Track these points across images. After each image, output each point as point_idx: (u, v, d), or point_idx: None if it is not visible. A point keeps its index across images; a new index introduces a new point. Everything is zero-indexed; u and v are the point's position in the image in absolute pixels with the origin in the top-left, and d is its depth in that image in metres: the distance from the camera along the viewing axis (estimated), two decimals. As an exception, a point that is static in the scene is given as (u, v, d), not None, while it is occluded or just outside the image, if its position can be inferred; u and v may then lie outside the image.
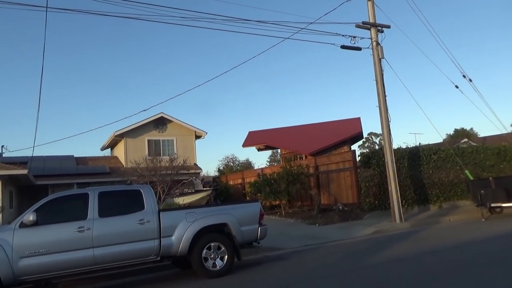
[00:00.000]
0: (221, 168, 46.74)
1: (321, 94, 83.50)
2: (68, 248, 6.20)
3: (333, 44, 13.36)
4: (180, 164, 18.98)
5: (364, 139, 69.65)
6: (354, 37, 13.61)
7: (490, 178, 13.31)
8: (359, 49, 13.70)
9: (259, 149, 29.59)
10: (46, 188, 22.55)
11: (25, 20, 62.69)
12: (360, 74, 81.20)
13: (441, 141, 31.23)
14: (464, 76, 16.05)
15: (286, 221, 15.59)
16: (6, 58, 53.74)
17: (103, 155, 29.21)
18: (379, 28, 14.02)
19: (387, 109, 13.68)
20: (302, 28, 13.71)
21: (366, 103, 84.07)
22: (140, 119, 25.94)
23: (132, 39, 66.51)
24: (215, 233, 7.37)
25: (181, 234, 6.99)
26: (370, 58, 13.79)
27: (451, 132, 57.03)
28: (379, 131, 71.28)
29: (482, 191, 12.75)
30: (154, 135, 26.81)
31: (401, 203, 15.32)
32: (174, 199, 21.48)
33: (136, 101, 66.29)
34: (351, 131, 25.00)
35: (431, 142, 26.43)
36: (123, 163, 25.78)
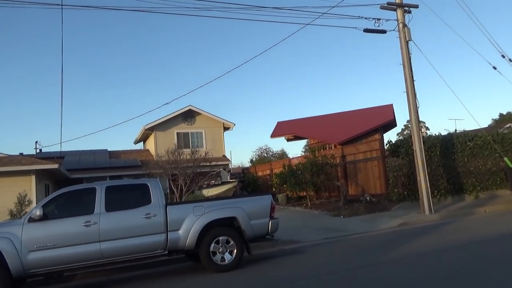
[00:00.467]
0: (254, 159, 46.68)
1: (354, 82, 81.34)
2: (75, 242, 6.27)
3: (356, 28, 12.73)
4: (201, 157, 18.97)
5: (403, 127, 67.42)
6: (379, 19, 12.89)
7: (530, 166, 12.28)
8: (383, 32, 12.97)
9: (288, 140, 29.14)
10: (81, 181, 23.38)
11: (46, 17, 65.22)
12: (394, 58, 78.07)
13: (483, 126, 29.52)
14: (503, 56, 14.88)
15: (311, 213, 15.24)
16: (38, 53, 56.19)
17: (135, 149, 29.95)
18: (406, 8, 13.19)
19: (415, 95, 12.93)
20: (323, 13, 13.15)
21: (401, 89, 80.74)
22: (168, 112, 26.31)
23: (154, 32, 67.30)
24: (223, 227, 7.22)
25: (188, 228, 6.90)
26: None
27: (496, 117, 53.81)
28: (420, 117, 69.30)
29: (520, 180, 11.80)
30: (183, 127, 27.08)
31: (433, 193, 14.63)
32: (202, 191, 21.71)
33: (167, 94, 67.49)
34: (382, 118, 23.99)
35: (472, 128, 25.02)
36: (154, 156, 26.27)
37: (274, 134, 27.09)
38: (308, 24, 13.48)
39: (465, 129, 21.83)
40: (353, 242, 9.35)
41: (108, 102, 67.49)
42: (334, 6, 13.04)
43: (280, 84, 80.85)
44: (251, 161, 46.07)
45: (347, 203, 15.58)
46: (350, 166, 17.36)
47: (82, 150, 26.91)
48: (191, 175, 17.67)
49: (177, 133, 26.86)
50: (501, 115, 53.10)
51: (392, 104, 25.51)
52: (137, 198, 6.96)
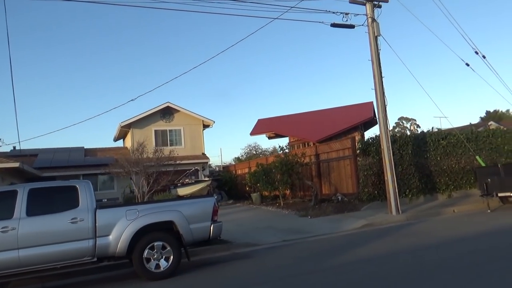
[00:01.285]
0: (243, 157, 46.13)
1: (338, 78, 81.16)
2: (-10, 250, 5.80)
3: (322, 22, 12.31)
4: (164, 156, 18.48)
5: (394, 124, 67.37)
6: (347, 13, 12.46)
7: (499, 165, 12.01)
8: (352, 26, 12.57)
9: (269, 137, 28.74)
10: (53, 179, 22.82)
11: (20, 10, 63.89)
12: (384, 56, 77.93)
13: (467, 124, 29.28)
14: (476, 53, 14.57)
15: (281, 213, 14.86)
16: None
17: (113, 146, 29.32)
18: (376, 2, 12.80)
19: (383, 92, 12.57)
20: (292, 7, 12.70)
21: (397, 86, 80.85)
22: (146, 109, 25.77)
23: (133, 26, 65.98)
24: (160, 231, 6.78)
25: (119, 234, 6.45)
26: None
27: (483, 115, 53.93)
28: (410, 115, 68.58)
29: (489, 180, 11.51)
30: (161, 125, 26.57)
31: (405, 192, 14.40)
32: (177, 189, 21.25)
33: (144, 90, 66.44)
34: (362, 116, 23.71)
35: (457, 125, 24.79)
36: (133, 153, 25.72)
37: (254, 132, 26.68)
38: (276, 18, 13.01)
39: (450, 127, 21.44)
40: (309, 245, 8.97)
41: (88, 99, 66.25)
42: (302, 0, 12.64)
43: (268, 79, 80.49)
44: (238, 159, 45.59)
45: (318, 203, 15.23)
46: (324, 165, 17.00)
47: (57, 148, 26.29)
48: (154, 174, 17.15)
49: (155, 131, 26.37)
50: (487, 112, 53.25)
51: (372, 102, 25.10)
52: (64, 201, 6.49)
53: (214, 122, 27.72)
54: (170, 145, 26.65)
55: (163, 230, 6.84)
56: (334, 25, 12.38)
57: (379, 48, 12.69)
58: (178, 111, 26.83)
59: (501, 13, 69.73)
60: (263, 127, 26.96)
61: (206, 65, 71.02)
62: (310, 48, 79.28)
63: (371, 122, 27.01)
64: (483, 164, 13.96)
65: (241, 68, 77.15)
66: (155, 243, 6.63)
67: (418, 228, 9.76)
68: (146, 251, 6.54)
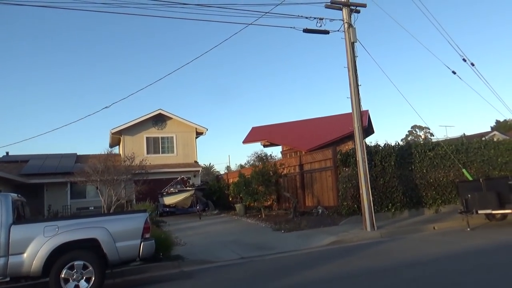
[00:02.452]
0: (246, 164, 45.51)
1: (338, 85, 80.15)
2: None
3: (294, 27, 11.79)
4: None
5: (407, 132, 65.98)
6: (321, 19, 11.92)
7: (481, 180, 11.21)
8: (326, 32, 12.01)
9: (264, 145, 28.18)
10: (41, 186, 22.70)
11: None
12: (385, 63, 76.91)
13: (475, 133, 28.35)
14: (464, 60, 13.83)
15: (257, 226, 14.25)
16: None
17: (107, 153, 29.04)
18: (353, 7, 12.24)
19: (359, 101, 11.95)
20: (266, 12, 12.22)
21: (410, 95, 79.35)
22: (137, 116, 25.54)
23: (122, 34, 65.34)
24: (81, 249, 6.30)
25: (34, 252, 6.00)
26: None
27: (493, 124, 52.37)
28: (423, 123, 67.22)
29: (469, 195, 10.74)
30: (153, 132, 26.26)
31: (387, 207, 13.72)
32: (164, 198, 20.84)
33: (138, 98, 66.04)
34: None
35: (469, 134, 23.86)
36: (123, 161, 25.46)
37: (246, 140, 26.18)
38: (251, 24, 12.55)
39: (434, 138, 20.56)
40: (264, 264, 8.37)
41: (80, 105, 66.04)
42: (278, 4, 12.16)
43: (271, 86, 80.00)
44: (241, 166, 45.10)
45: (299, 216, 14.61)
46: (307, 176, 16.36)
47: (49, 154, 26.20)
48: (122, 183, 16.63)
49: (147, 138, 26.08)
50: (497, 122, 51.70)
51: (367, 110, 24.51)
52: (-24, 216, 6.06)
53: (207, 129, 27.32)
54: (162, 153, 26.36)
55: (87, 248, 6.35)
56: (307, 30, 11.84)
57: (355, 55, 12.10)
58: (170, 118, 26.51)
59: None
60: (256, 135, 26.46)
61: (204, 70, 70.90)
62: (313, 55, 78.67)
63: (367, 131, 26.33)
64: (470, 178, 13.14)
65: (240, 70, 76.87)
66: (75, 262, 6.15)
67: (385, 248, 9.07)
68: (64, 271, 6.07)
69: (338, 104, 79.30)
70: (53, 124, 33.03)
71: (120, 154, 27.92)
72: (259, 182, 14.60)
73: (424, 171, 14.29)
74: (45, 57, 57.66)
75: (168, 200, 20.06)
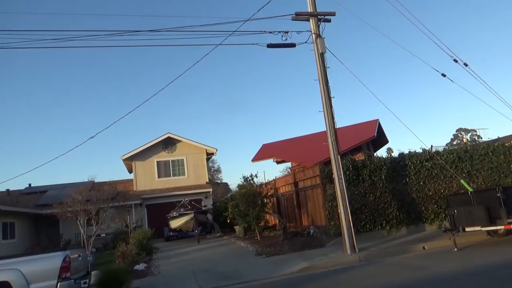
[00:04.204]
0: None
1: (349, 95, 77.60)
2: None
3: (257, 44, 11.35)
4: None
5: (452, 136, 62.56)
6: (286, 32, 11.42)
7: (469, 192, 10.04)
8: (292, 45, 11.48)
9: (277, 162, 27.57)
10: (52, 216, 23.35)
11: None
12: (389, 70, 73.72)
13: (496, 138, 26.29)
14: (455, 61, 12.76)
15: (244, 250, 13.66)
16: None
17: (122, 179, 29.68)
18: (321, 17, 11.67)
19: (332, 114, 11.24)
20: (234, 31, 11.91)
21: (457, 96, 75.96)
22: (147, 141, 25.97)
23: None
24: (-7, 293, 6.13)
25: None
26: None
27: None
28: (469, 125, 63.56)
29: (455, 211, 9.63)
30: (163, 156, 26.48)
31: (381, 224, 12.76)
32: (170, 222, 20.73)
33: (146, 122, 65.75)
34: (364, 136, 21.92)
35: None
36: (136, 185, 25.85)
37: (255, 158, 25.64)
38: (220, 44, 12.28)
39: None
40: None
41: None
42: (248, 19, 11.78)
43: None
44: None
45: (290, 238, 13.91)
46: (302, 194, 15.64)
47: (66, 183, 27.08)
48: (98, 211, 16.40)
49: (157, 162, 26.32)
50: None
51: (377, 120, 23.31)
52: None
53: (217, 150, 27.18)
54: (173, 176, 26.48)
55: (0, 292, 6.17)
56: (271, 45, 11.39)
57: (326, 66, 11.46)
58: (179, 141, 26.65)
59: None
60: (265, 152, 25.90)
61: (208, 88, 70.91)
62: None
63: (381, 141, 25.07)
64: (470, 189, 11.87)
65: (249, 85, 76.60)
66: (-16, 308, 5.98)
67: (350, 276, 8.24)
68: (-28, 317, 5.91)
69: (356, 114, 76.74)
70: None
71: (132, 179, 28.40)
72: (245, 204, 14.06)
73: (421, 183, 13.17)
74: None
75: (173, 223, 19.93)
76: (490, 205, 9.21)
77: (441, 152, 13.75)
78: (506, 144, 14.47)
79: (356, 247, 10.46)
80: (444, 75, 12.65)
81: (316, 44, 11.42)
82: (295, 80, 76.28)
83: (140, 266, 12.13)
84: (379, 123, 23.69)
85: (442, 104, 76.55)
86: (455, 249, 9.26)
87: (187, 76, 68.48)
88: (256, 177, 14.97)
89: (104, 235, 22.69)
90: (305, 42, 11.59)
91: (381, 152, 29.53)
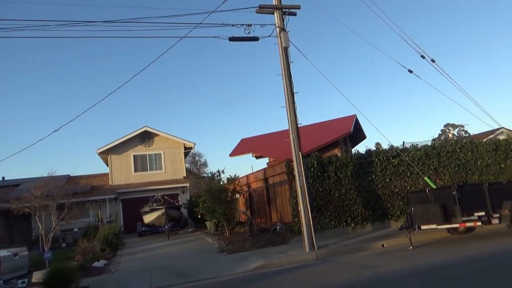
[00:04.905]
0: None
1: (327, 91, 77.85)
2: None
3: (218, 37, 11.08)
4: (95, 185, 17.46)
5: (440, 132, 62.97)
6: (249, 25, 11.18)
7: (427, 190, 9.97)
8: (255, 39, 11.25)
9: (256, 157, 27.39)
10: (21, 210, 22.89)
11: None
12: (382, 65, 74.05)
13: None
14: (423, 57, 12.66)
15: (209, 247, 13.48)
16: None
17: (99, 173, 29.20)
18: (285, 10, 11.44)
19: (295, 110, 11.06)
20: (198, 23, 11.62)
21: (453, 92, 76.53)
22: (123, 134, 25.58)
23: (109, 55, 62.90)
24: None
25: None
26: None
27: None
28: (457, 121, 63.91)
29: (412, 209, 9.56)
30: (141, 150, 26.12)
31: (346, 221, 12.65)
32: (143, 217, 20.43)
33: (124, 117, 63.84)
34: (340, 131, 21.81)
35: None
36: (111, 179, 25.46)
37: (233, 153, 25.39)
38: (185, 36, 11.98)
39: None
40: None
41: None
42: (214, 11, 11.51)
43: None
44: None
45: (257, 234, 13.79)
46: (272, 190, 15.50)
47: (40, 177, 26.55)
48: (55, 206, 16.03)
49: (134, 156, 25.95)
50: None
51: (354, 115, 23.21)
52: None
53: (195, 144, 26.93)
54: (150, 170, 26.16)
55: None
56: (233, 39, 11.13)
57: (290, 60, 11.25)
58: (157, 135, 26.31)
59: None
60: (244, 147, 25.67)
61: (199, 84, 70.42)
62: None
63: (359, 137, 25.01)
64: (433, 186, 11.85)
65: (237, 80, 76.33)
66: None
67: (299, 274, 8.12)
68: None
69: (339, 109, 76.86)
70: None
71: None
72: (211, 200, 13.86)
73: (388, 180, 13.09)
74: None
75: (146, 219, 19.65)
76: (446, 203, 9.14)
77: (409, 149, 13.66)
78: (476, 141, 14.45)
79: (315, 245, 10.35)
80: (410, 71, 12.55)
81: (280, 38, 11.20)
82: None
83: (100, 263, 11.87)
84: (357, 119, 23.61)
85: (431, 99, 77.01)
86: (411, 247, 9.20)
87: (178, 71, 67.66)
88: (223, 172, 14.77)
89: (76, 229, 22.37)
90: (269, 36, 11.36)
91: (360, 147, 29.47)
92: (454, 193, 8.87)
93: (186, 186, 25.59)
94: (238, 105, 71.54)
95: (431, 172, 13.52)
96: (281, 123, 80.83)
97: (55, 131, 13.80)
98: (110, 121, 60.95)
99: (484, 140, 16.99)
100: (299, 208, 10.78)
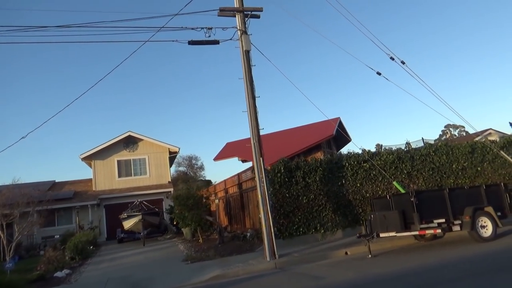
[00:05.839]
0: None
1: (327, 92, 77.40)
2: None
3: (177, 41, 10.84)
4: (79, 191, 17.16)
5: (441, 132, 62.54)
6: (209, 28, 10.93)
7: (388, 196, 9.67)
8: (216, 42, 11.00)
9: (242, 161, 27.13)
10: (10, 216, 22.67)
11: None
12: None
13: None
14: (392, 59, 12.37)
15: (178, 255, 13.17)
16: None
17: (84, 178, 28.97)
18: (247, 13, 11.20)
19: (256, 114, 10.79)
20: (160, 27, 11.40)
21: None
22: (107, 139, 25.37)
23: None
24: None
25: None
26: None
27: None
28: (457, 121, 63.40)
29: (371, 216, 9.26)
30: (125, 155, 25.89)
31: (316, 228, 12.33)
32: (123, 223, 20.18)
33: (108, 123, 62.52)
34: (323, 134, 21.54)
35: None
36: (95, 185, 25.22)
37: (217, 157, 25.18)
38: (148, 40, 11.76)
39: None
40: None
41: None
42: (179, 13, 11.28)
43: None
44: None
45: (227, 241, 13.53)
46: (245, 195, 15.22)
47: (24, 183, 26.34)
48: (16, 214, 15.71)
49: (118, 161, 25.72)
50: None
51: (338, 118, 22.95)
52: None
53: (179, 148, 26.68)
54: (134, 175, 25.92)
55: None
56: (192, 42, 10.87)
57: (251, 64, 11.00)
58: (141, 139, 26.08)
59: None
60: (228, 151, 25.45)
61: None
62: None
63: (344, 140, 24.71)
64: (402, 191, 11.54)
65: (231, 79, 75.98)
66: None
67: (254, 285, 7.85)
68: None
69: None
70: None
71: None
72: (179, 206, 13.60)
73: (358, 184, 12.80)
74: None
75: (125, 225, 19.39)
76: (406, 210, 8.85)
77: (381, 153, 13.37)
78: (452, 144, 14.14)
79: (276, 254, 10.06)
80: (379, 74, 12.26)
81: (241, 41, 10.95)
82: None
83: (62, 273, 11.61)
84: (340, 121, 23.34)
85: (432, 100, 76.38)
86: (370, 256, 8.89)
87: (175, 75, 67.27)
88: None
89: (58, 236, 22.13)
90: (230, 39, 11.13)
91: (344, 150, 29.17)
92: (412, 199, 8.55)
93: (171, 191, 25.31)
94: (237, 108, 71.29)
95: (404, 176, 13.23)
96: (274, 126, 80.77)
97: (23, 137, 13.62)
98: (99, 127, 60.58)
99: (464, 142, 16.65)
100: (259, 215, 10.50)
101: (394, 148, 14.36)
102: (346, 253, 10.05)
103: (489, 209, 8.82)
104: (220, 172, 67.61)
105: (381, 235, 8.98)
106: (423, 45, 73.59)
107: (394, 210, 8.96)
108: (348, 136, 24.90)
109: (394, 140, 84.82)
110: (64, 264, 12.82)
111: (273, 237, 10.22)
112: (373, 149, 13.90)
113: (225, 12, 11.16)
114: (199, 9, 11.37)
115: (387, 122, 78.47)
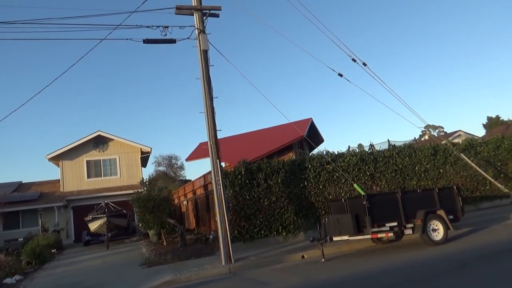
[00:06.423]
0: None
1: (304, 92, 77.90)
2: None
3: (130, 39, 10.51)
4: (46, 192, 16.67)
5: (421, 133, 63.44)
6: (166, 27, 10.64)
7: (343, 199, 9.59)
8: (172, 41, 10.73)
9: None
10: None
11: None
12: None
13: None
14: (354, 60, 12.31)
15: (137, 258, 12.81)
16: None
17: (52, 179, 28.17)
18: (206, 11, 10.95)
19: (213, 116, 10.56)
20: (118, 25, 11.03)
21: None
22: (75, 139, 24.71)
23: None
24: None
25: None
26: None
27: (485, 121, 49.70)
28: (436, 122, 64.34)
29: (325, 219, 9.16)
30: (94, 155, 25.28)
31: (277, 230, 12.17)
32: (89, 225, 19.67)
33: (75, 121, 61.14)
34: (293, 135, 21.46)
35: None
36: (63, 186, 24.54)
37: (190, 157, 24.93)
38: (105, 38, 11.36)
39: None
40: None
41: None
42: (136, 10, 10.94)
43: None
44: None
45: (190, 244, 13.27)
46: (210, 197, 14.92)
47: (-10, 184, 25.49)
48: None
49: (87, 161, 25.09)
50: (489, 118, 48.99)
51: (310, 118, 22.96)
52: None
53: (151, 148, 26.22)
54: (104, 176, 25.35)
55: None
56: (147, 41, 10.57)
57: (209, 64, 10.76)
58: (111, 139, 25.52)
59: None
60: (201, 151, 25.11)
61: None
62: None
63: (317, 140, 24.71)
64: (362, 193, 11.49)
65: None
66: None
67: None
68: None
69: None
70: None
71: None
72: (139, 209, 13.28)
73: (321, 187, 12.72)
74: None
75: (91, 227, 18.89)
76: (359, 213, 8.76)
77: (344, 155, 13.32)
78: (415, 146, 14.21)
79: (232, 258, 9.86)
80: (340, 75, 12.20)
81: (199, 40, 10.70)
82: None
83: (12, 279, 11.14)
84: (312, 122, 23.34)
85: (411, 99, 77.70)
86: (323, 260, 8.79)
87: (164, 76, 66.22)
88: (149, 182, 14.18)
89: (21, 239, 21.42)
90: (188, 38, 10.87)
91: (316, 151, 29.24)
92: (364, 203, 8.48)
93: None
94: (226, 107, 70.97)
95: (367, 178, 13.22)
96: (249, 126, 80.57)
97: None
98: (69, 129, 59.22)
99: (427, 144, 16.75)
100: (216, 219, 10.28)
101: (380, 147, 14.30)
102: (302, 256, 9.91)
103: (441, 212, 8.83)
104: (199, 171, 67.12)
105: (335, 238, 8.88)
106: (403, 47, 74.57)
107: (348, 214, 8.87)
108: (321, 137, 24.99)
109: (379, 138, 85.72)
110: (18, 269, 12.32)
111: (229, 241, 10.02)
112: (350, 149, 13.83)
113: (182, 10, 10.89)
114: (156, 7, 11.15)
115: (369, 122, 79.30)
